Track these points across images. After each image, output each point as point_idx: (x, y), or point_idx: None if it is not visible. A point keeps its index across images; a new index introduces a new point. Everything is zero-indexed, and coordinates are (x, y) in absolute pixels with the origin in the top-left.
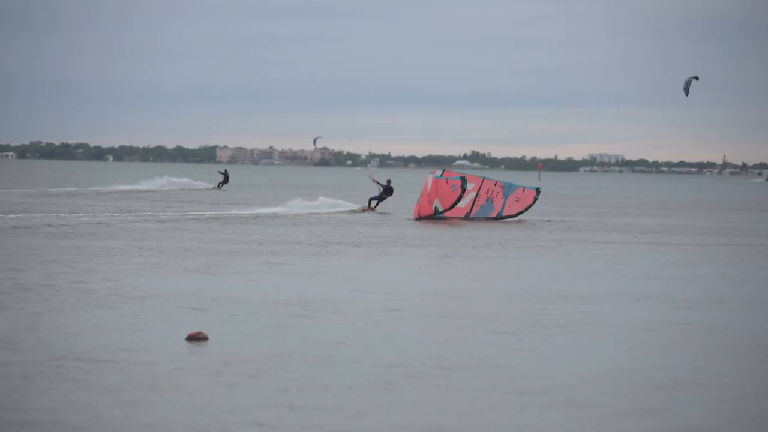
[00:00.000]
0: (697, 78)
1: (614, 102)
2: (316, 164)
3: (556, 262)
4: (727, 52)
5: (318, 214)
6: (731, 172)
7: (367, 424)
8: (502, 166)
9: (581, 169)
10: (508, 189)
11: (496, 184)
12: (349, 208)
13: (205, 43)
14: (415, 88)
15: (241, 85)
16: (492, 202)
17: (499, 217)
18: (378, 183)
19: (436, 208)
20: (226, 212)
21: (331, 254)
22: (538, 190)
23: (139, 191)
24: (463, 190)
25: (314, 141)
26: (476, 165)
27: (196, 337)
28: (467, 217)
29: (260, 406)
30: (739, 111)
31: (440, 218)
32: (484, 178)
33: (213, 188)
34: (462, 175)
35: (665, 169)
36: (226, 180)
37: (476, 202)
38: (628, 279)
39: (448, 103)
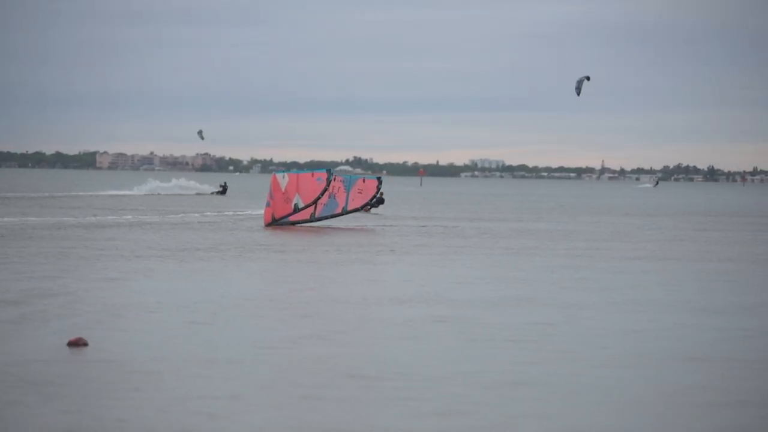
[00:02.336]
0: (588, 78)
1: (495, 108)
2: (197, 170)
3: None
4: (606, 59)
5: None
6: (609, 177)
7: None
8: (384, 172)
9: (462, 175)
10: (348, 182)
11: (336, 178)
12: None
13: (86, 48)
14: (298, 94)
15: (121, 90)
16: (335, 198)
17: (345, 212)
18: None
19: (296, 204)
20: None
21: (194, 260)
22: (379, 179)
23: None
24: (329, 182)
25: (198, 133)
26: (358, 170)
27: (77, 343)
28: (312, 218)
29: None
30: (616, 117)
31: (287, 224)
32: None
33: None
34: (328, 169)
35: (545, 174)
36: (223, 191)
37: (320, 201)
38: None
39: (330, 109)
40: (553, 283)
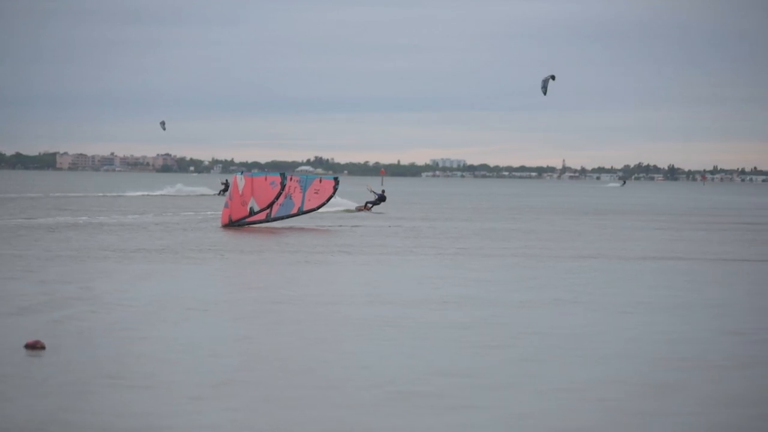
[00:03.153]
0: (553, 77)
1: (457, 107)
2: (158, 170)
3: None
4: (567, 59)
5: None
6: (570, 177)
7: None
8: (346, 172)
9: (424, 174)
10: (305, 183)
11: (291, 179)
12: (345, 207)
13: (45, 47)
14: (258, 94)
15: (80, 91)
16: (291, 198)
17: (301, 212)
18: (374, 192)
19: (251, 208)
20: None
21: (152, 261)
22: (336, 180)
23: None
24: (283, 186)
25: (161, 123)
26: (320, 170)
27: (34, 346)
28: (268, 219)
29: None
30: (577, 116)
31: (244, 225)
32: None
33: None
34: (282, 172)
35: (506, 173)
36: (226, 189)
37: (276, 201)
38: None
39: (291, 109)
40: (498, 282)
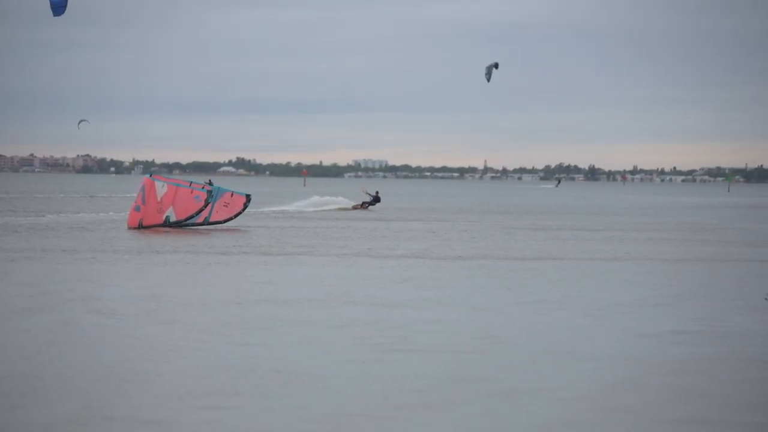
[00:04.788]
0: (497, 65)
1: (378, 108)
2: (78, 171)
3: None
4: (488, 59)
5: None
6: (492, 177)
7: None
8: (267, 173)
9: (346, 175)
10: (216, 194)
11: (204, 187)
12: (341, 206)
13: None
14: (179, 95)
15: None
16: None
17: (207, 223)
18: (368, 194)
19: (167, 217)
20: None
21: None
22: (248, 197)
23: None
24: (206, 203)
25: (78, 123)
26: (241, 171)
27: None
28: (167, 222)
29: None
30: (498, 117)
31: (142, 228)
32: (191, 182)
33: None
34: (209, 189)
35: (428, 174)
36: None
37: (195, 216)
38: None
39: (213, 110)
40: (376, 280)
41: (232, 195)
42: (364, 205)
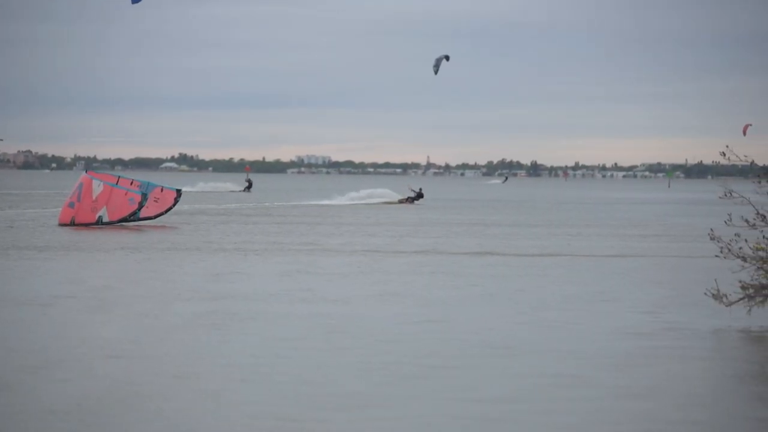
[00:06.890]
0: (447, 58)
1: (321, 104)
2: (19, 168)
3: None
4: (431, 55)
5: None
6: (435, 173)
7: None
8: (210, 168)
9: (289, 171)
10: (145, 188)
11: (132, 183)
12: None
13: None
14: (120, 90)
15: None
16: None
17: (137, 219)
18: (413, 190)
19: (100, 217)
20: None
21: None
22: (179, 192)
23: None
24: (140, 206)
25: None
26: (184, 167)
27: None
28: (99, 222)
29: None
30: (441, 113)
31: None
32: (119, 177)
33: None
34: (143, 191)
35: (371, 170)
36: (249, 186)
37: (128, 218)
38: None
39: (155, 106)
40: (291, 275)
41: (162, 190)
42: (409, 200)
